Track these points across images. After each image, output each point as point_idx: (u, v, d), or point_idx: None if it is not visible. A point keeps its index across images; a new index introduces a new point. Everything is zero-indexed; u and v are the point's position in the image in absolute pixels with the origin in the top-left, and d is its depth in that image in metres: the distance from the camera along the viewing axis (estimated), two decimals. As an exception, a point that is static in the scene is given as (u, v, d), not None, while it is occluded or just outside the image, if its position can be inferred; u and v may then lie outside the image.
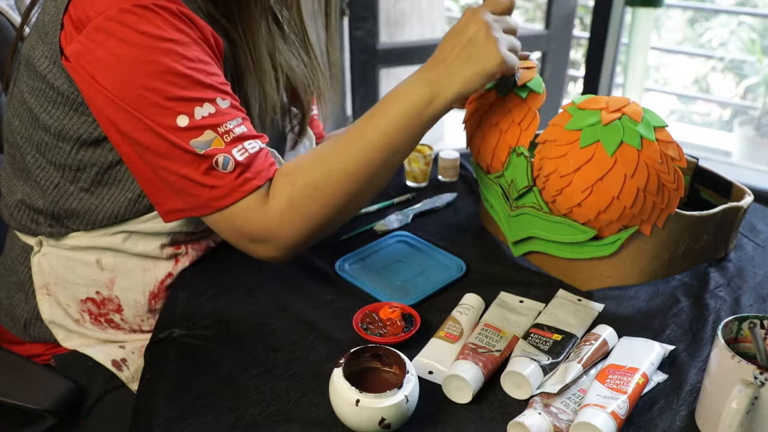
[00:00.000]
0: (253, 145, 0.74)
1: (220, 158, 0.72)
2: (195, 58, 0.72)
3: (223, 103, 0.74)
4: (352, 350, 0.65)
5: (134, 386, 0.90)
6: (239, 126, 0.74)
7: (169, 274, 0.89)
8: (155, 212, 0.82)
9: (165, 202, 0.76)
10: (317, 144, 1.07)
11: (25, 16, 0.87)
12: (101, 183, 0.82)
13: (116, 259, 0.86)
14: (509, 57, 0.76)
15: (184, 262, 0.89)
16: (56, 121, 0.78)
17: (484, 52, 0.75)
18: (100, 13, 0.70)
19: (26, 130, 0.82)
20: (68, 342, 0.90)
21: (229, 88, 0.76)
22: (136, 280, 0.88)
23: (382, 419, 0.60)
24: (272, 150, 0.82)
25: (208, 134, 0.72)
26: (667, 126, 0.78)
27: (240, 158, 0.73)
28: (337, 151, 0.76)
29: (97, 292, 0.88)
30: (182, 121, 0.71)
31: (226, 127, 0.73)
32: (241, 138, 0.74)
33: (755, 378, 0.55)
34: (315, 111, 1.05)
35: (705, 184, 0.97)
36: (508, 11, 0.79)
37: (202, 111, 0.72)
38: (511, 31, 0.79)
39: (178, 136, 0.71)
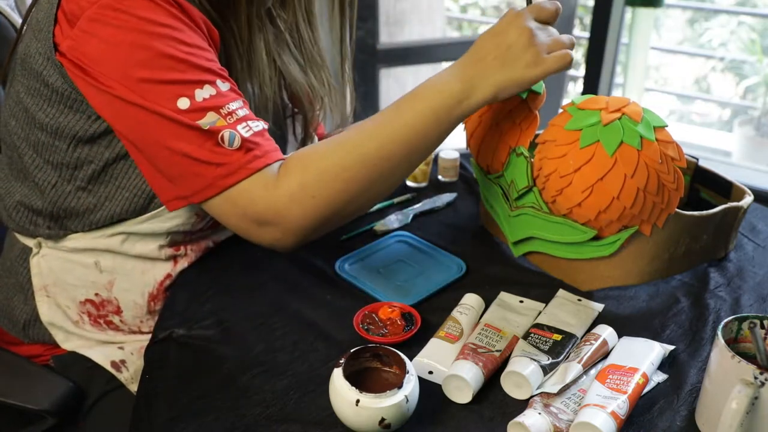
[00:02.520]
0: (257, 124, 0.73)
1: (226, 134, 0.70)
2: (192, 43, 0.72)
3: (224, 86, 0.73)
4: (352, 350, 0.65)
5: (133, 387, 0.89)
6: (241, 108, 0.73)
7: (168, 276, 0.88)
8: (153, 212, 0.82)
9: (168, 189, 0.75)
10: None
11: (26, 17, 0.87)
12: (99, 181, 0.81)
13: (115, 261, 0.86)
14: (549, 66, 0.73)
15: (183, 264, 0.89)
16: (52, 119, 0.77)
17: (522, 61, 0.72)
18: (93, 3, 0.70)
19: (23, 131, 0.81)
20: (67, 344, 0.90)
21: (227, 74, 0.75)
22: (134, 282, 0.87)
23: (382, 419, 0.60)
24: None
25: (211, 116, 0.70)
26: (666, 126, 0.78)
27: (246, 134, 0.71)
28: (359, 138, 0.73)
29: (96, 294, 0.88)
30: (183, 103, 0.70)
31: (228, 108, 0.71)
32: (245, 118, 0.73)
33: (755, 378, 0.55)
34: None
35: (705, 184, 0.97)
36: (553, 18, 0.76)
37: (203, 93, 0.70)
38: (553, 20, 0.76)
39: (182, 118, 0.70)
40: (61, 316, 0.89)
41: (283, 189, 0.71)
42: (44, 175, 0.82)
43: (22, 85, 0.79)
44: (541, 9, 0.75)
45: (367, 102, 2.50)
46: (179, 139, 0.70)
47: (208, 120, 0.70)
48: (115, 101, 0.71)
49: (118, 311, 0.89)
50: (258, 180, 0.71)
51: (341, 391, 0.61)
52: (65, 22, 0.72)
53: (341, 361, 0.63)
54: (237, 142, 0.70)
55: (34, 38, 0.76)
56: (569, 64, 0.73)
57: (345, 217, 0.76)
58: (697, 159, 0.98)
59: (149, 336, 0.88)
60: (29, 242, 0.88)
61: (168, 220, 0.83)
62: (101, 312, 0.89)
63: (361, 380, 0.63)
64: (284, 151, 0.98)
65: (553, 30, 0.76)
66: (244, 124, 0.72)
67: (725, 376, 0.58)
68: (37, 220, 0.86)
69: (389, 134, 0.73)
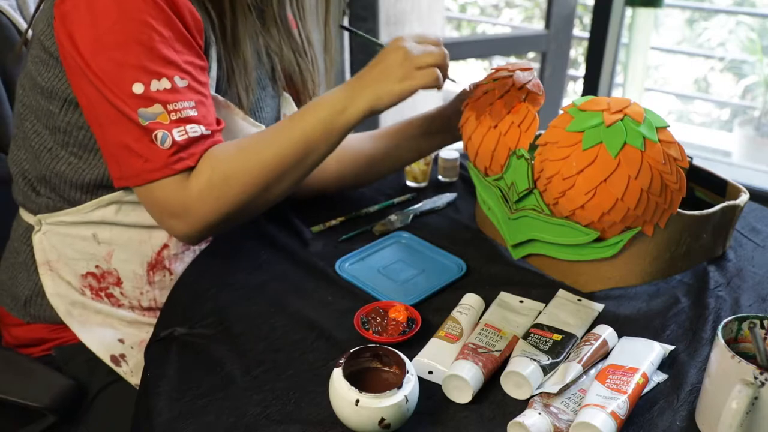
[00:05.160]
0: (195, 130, 0.78)
1: (160, 134, 0.76)
2: (166, 34, 0.76)
3: (181, 83, 0.77)
4: (352, 350, 0.65)
5: (133, 380, 0.91)
6: (192, 108, 0.78)
7: (165, 246, 0.91)
8: None
9: (111, 168, 0.81)
10: None
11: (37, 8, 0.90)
12: (88, 148, 0.85)
13: (112, 233, 0.89)
14: (417, 81, 0.81)
15: None
16: (47, 82, 0.83)
17: (394, 75, 0.81)
18: None
19: (27, 97, 0.87)
20: (69, 318, 0.91)
21: (194, 69, 0.80)
22: (133, 252, 0.91)
23: (382, 419, 0.60)
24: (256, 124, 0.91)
25: (157, 108, 0.76)
26: (668, 126, 0.78)
27: (178, 139, 0.77)
28: (259, 144, 0.81)
29: (97, 266, 0.91)
30: (138, 88, 0.75)
31: (176, 105, 0.77)
32: (188, 120, 0.77)
33: (755, 378, 0.55)
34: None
35: (699, 183, 0.97)
36: (432, 38, 0.85)
37: (158, 85, 0.76)
38: (434, 44, 0.84)
39: (128, 103, 0.75)
40: (65, 287, 0.92)
41: (193, 188, 0.78)
42: (41, 139, 0.87)
43: (31, 56, 0.85)
44: (421, 35, 0.85)
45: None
46: (120, 127, 0.76)
47: (153, 111, 0.75)
48: (85, 71, 0.75)
49: (118, 282, 0.92)
50: (177, 179, 0.78)
51: (341, 391, 0.61)
52: None
53: (341, 361, 0.63)
54: (168, 143, 0.76)
55: (42, 10, 0.84)
56: (436, 81, 0.82)
57: (245, 215, 0.84)
58: (691, 158, 0.98)
59: (147, 324, 0.91)
60: (31, 219, 0.92)
61: None
62: (102, 284, 0.92)
63: (361, 380, 0.63)
64: None
65: (429, 46, 0.84)
66: (182, 127, 0.77)
67: (725, 376, 0.58)
68: (38, 188, 0.90)
69: (285, 141, 0.81)
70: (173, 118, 0.76)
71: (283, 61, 0.99)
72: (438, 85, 0.83)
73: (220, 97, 0.87)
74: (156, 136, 0.75)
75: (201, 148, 0.79)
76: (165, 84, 0.76)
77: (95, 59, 0.74)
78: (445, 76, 0.85)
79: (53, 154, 0.86)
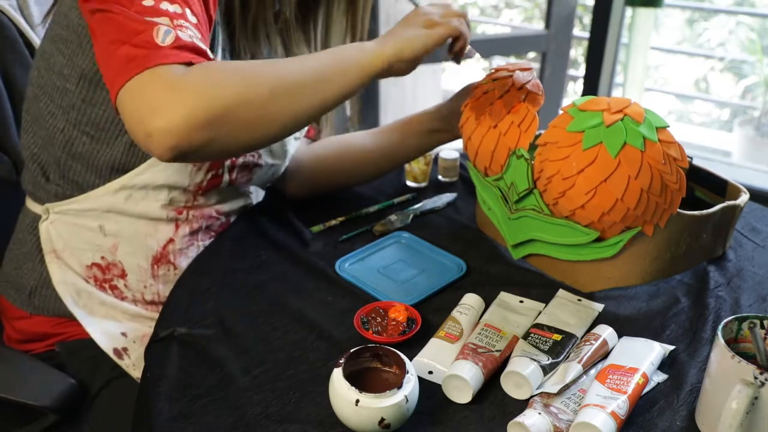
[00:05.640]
0: (201, 46, 0.71)
1: (162, 29, 0.68)
2: None
3: (192, 18, 0.72)
4: (352, 350, 0.65)
5: (135, 373, 0.91)
6: (199, 40, 0.71)
7: (171, 240, 0.92)
8: (151, 160, 0.86)
9: (103, 72, 0.71)
10: (306, 137, 1.09)
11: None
12: (101, 128, 0.85)
13: (119, 224, 0.90)
14: (445, 27, 0.83)
15: (185, 229, 0.93)
16: (66, 58, 0.82)
17: (419, 24, 0.83)
18: None
19: (41, 78, 0.87)
20: (75, 308, 0.91)
21: (203, 23, 0.75)
22: (138, 245, 0.91)
23: (382, 419, 0.60)
24: None
25: (164, 19, 0.69)
26: (668, 126, 0.78)
27: (183, 38, 0.69)
28: (271, 61, 0.75)
29: (102, 257, 0.91)
30: (148, 1, 0.69)
31: (182, 22, 0.70)
32: (191, 36, 0.71)
33: (755, 378, 0.55)
34: None
35: (699, 183, 0.97)
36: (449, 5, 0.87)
37: (169, 6, 0.70)
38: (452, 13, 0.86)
39: (136, 8, 0.68)
40: (71, 275, 0.92)
41: (187, 76, 0.67)
42: (54, 121, 0.87)
43: (48, 38, 0.85)
44: (435, 3, 0.87)
45: (367, 102, 2.50)
46: (126, 26, 0.68)
47: (160, 20, 0.69)
48: (96, 14, 0.70)
49: (122, 275, 0.92)
50: (169, 68, 0.67)
51: (341, 391, 0.61)
52: None
53: (341, 361, 0.63)
54: (170, 39, 0.68)
55: None
56: (458, 29, 0.84)
57: (236, 130, 0.69)
58: (691, 158, 0.98)
59: (150, 319, 0.91)
60: (38, 209, 0.92)
61: (164, 169, 0.87)
62: (107, 276, 0.92)
63: (361, 380, 0.63)
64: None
65: (443, 8, 0.86)
66: (186, 33, 0.70)
67: (725, 376, 0.58)
68: (49, 174, 0.90)
69: (300, 63, 0.76)
70: (178, 27, 0.69)
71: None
72: (462, 32, 0.85)
73: None
74: (158, 30, 0.68)
75: (199, 51, 0.71)
76: (176, 8, 0.71)
77: None
78: (467, 34, 0.88)
79: (66, 135, 0.86)
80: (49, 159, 0.89)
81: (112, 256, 0.91)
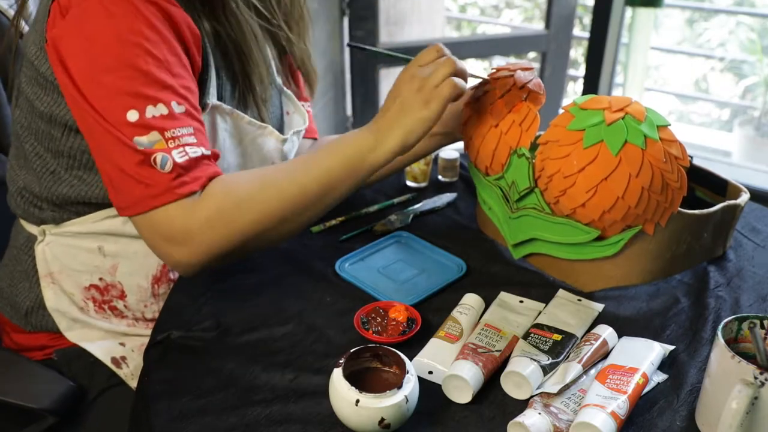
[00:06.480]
0: (195, 151, 0.74)
1: (159, 156, 0.71)
2: (162, 57, 0.73)
3: (178, 108, 0.73)
4: (352, 350, 0.65)
5: (133, 383, 0.90)
6: (190, 135, 0.74)
7: None
8: None
9: (113, 197, 0.76)
10: (306, 137, 1.09)
11: (20, 9, 0.89)
12: (94, 171, 0.83)
13: (118, 245, 0.88)
14: (442, 97, 0.78)
15: None
16: (47, 107, 0.80)
17: (416, 103, 0.79)
18: None
19: (25, 119, 0.84)
20: (70, 332, 0.91)
21: (191, 94, 0.76)
22: (138, 265, 0.89)
23: (382, 419, 0.60)
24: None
25: (154, 135, 0.71)
26: (669, 125, 0.78)
27: (179, 160, 0.72)
28: (279, 174, 0.78)
29: (101, 279, 0.90)
30: (132, 116, 0.71)
31: (173, 132, 0.72)
32: (187, 144, 0.73)
33: (755, 378, 0.55)
34: (310, 108, 1.08)
35: (699, 183, 0.97)
36: (435, 57, 0.81)
37: (154, 111, 0.72)
38: (437, 55, 0.81)
39: (122, 131, 0.70)
40: (66, 302, 0.91)
41: (202, 212, 0.73)
42: (43, 162, 0.85)
43: (24, 76, 0.83)
44: (421, 56, 0.82)
45: (366, 102, 2.50)
46: (117, 154, 0.72)
47: (150, 139, 0.71)
48: (79, 99, 0.72)
49: (122, 296, 0.91)
50: (180, 204, 0.72)
51: (341, 391, 0.61)
52: (58, 14, 0.73)
53: (341, 361, 0.63)
54: (169, 166, 0.71)
55: (33, 29, 0.80)
56: (457, 88, 0.78)
57: (252, 248, 0.77)
58: (692, 157, 0.98)
59: (150, 330, 0.89)
60: (34, 230, 0.90)
61: None
62: (105, 297, 0.91)
63: (361, 380, 0.63)
64: (282, 125, 1.00)
65: (433, 66, 0.80)
66: (181, 149, 0.73)
67: (725, 376, 0.58)
68: (41, 204, 0.88)
69: (307, 175, 0.77)
70: (171, 145, 0.72)
71: (294, 57, 0.99)
72: (462, 91, 0.79)
73: (225, 105, 0.85)
74: (155, 159, 0.71)
75: (204, 172, 0.74)
76: (161, 110, 0.72)
77: (88, 86, 0.71)
78: (465, 78, 0.82)
79: (56, 177, 0.84)
80: (41, 193, 0.87)
81: (111, 277, 0.90)
